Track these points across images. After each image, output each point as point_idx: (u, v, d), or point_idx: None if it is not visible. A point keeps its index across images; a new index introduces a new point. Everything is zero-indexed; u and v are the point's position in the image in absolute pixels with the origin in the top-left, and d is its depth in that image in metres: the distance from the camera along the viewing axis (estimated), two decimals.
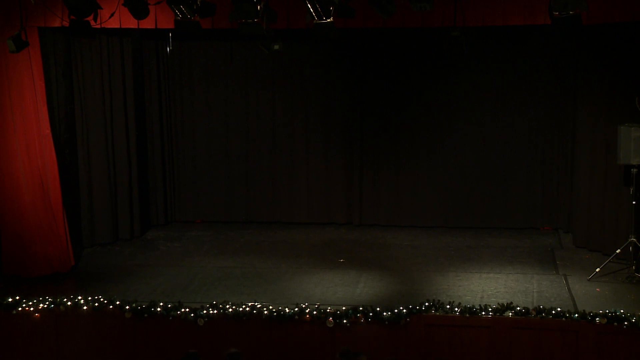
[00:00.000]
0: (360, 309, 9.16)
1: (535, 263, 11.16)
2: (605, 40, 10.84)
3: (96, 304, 9.53)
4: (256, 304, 9.40)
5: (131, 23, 10.12)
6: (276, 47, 10.04)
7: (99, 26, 9.63)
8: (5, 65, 10.60)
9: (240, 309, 9.31)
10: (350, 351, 7.99)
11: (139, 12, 9.37)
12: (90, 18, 9.26)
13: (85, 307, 9.53)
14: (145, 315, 9.41)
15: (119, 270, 11.14)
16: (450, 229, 12.88)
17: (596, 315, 8.80)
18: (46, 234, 10.92)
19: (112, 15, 9.69)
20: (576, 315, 8.86)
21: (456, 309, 9.11)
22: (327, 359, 9.21)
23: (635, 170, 10.23)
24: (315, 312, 9.20)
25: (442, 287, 10.19)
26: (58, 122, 11.46)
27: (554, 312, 8.90)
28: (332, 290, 10.21)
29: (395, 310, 9.09)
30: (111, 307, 9.51)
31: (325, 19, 8.88)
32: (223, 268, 11.21)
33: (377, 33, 11.96)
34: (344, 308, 9.26)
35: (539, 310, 8.94)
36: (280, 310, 9.23)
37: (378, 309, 9.14)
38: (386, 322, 9.04)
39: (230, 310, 9.32)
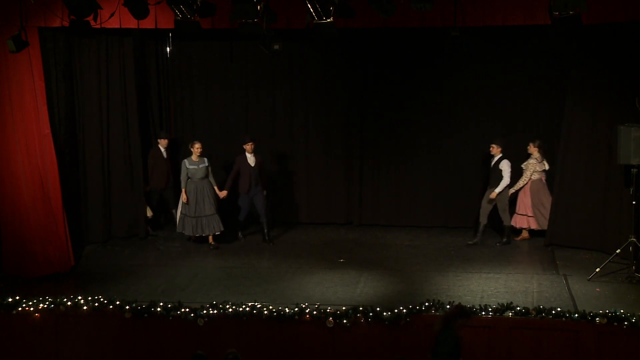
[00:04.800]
0: (360, 309, 9.16)
1: (535, 263, 11.17)
2: (605, 40, 10.84)
3: (96, 304, 9.53)
4: (256, 304, 9.40)
5: (131, 23, 10.13)
6: (276, 47, 10.05)
7: (99, 26, 9.64)
8: (5, 65, 10.61)
9: (240, 309, 9.31)
10: None
11: (139, 12, 9.37)
12: (90, 18, 9.26)
13: (85, 307, 9.52)
14: (145, 315, 9.40)
15: (119, 270, 11.14)
16: (450, 229, 12.89)
17: (596, 315, 8.80)
18: (46, 234, 10.93)
19: (112, 15, 9.70)
20: (576, 315, 8.86)
21: None
22: (327, 359, 9.22)
23: (635, 170, 10.23)
24: (315, 312, 9.19)
25: (442, 287, 10.19)
26: (58, 122, 11.48)
27: (554, 312, 8.90)
28: (332, 290, 10.21)
29: (395, 310, 9.09)
30: (111, 307, 9.51)
31: (325, 19, 8.88)
32: (223, 268, 11.21)
33: (377, 33, 11.96)
34: (344, 308, 9.25)
35: (539, 310, 8.93)
36: (280, 310, 9.23)
37: (378, 309, 9.14)
38: (386, 322, 9.04)
39: (230, 310, 9.31)
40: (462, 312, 7.97)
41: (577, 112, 11.46)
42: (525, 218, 12.15)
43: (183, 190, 12.00)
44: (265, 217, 12.34)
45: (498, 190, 11.79)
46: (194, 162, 12.00)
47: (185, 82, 13.60)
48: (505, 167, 11.80)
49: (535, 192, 11.96)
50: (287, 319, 9.20)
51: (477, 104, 12.88)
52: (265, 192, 12.42)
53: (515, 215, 12.18)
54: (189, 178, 11.99)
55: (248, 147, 12.15)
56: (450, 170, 13.03)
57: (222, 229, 12.10)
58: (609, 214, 11.21)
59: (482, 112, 12.88)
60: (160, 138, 12.84)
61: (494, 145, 11.94)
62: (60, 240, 11.05)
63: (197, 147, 12.00)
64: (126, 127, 12.54)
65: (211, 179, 12.12)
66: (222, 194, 12.17)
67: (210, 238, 12.09)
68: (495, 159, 11.90)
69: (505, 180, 11.79)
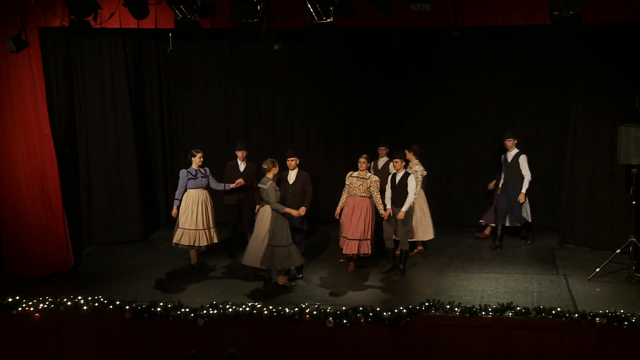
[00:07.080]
0: (360, 309, 9.16)
1: (535, 263, 11.17)
2: (605, 40, 10.85)
3: (96, 304, 9.53)
4: (256, 304, 9.40)
5: (131, 23, 10.13)
6: (276, 47, 10.06)
7: (99, 26, 9.64)
8: (5, 65, 10.61)
9: (240, 309, 9.31)
10: None
11: (139, 12, 9.37)
12: (90, 18, 9.26)
13: (85, 307, 9.52)
14: (145, 315, 9.40)
15: (119, 270, 11.14)
16: (450, 229, 12.87)
17: (596, 315, 8.80)
18: (46, 234, 10.93)
19: (112, 15, 9.70)
20: (576, 315, 8.85)
21: (456, 309, 9.11)
22: (327, 359, 9.22)
23: (635, 170, 10.23)
24: (315, 312, 9.19)
25: (442, 287, 10.19)
26: (58, 122, 11.48)
27: (554, 312, 8.90)
28: (332, 290, 10.21)
29: (395, 310, 9.09)
30: (111, 307, 9.51)
31: (325, 19, 8.87)
32: (223, 268, 11.20)
33: (377, 33, 11.95)
34: (344, 308, 9.26)
35: (539, 310, 8.93)
36: (280, 310, 9.23)
37: (378, 309, 9.15)
38: (386, 322, 9.04)
39: (230, 310, 9.32)
40: None
41: (577, 112, 11.46)
42: (356, 243, 10.57)
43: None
44: (302, 248, 10.66)
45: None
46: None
47: (185, 82, 13.60)
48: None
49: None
50: (287, 319, 9.20)
51: (477, 103, 12.89)
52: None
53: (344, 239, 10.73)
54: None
55: (290, 162, 10.74)
56: (450, 170, 13.03)
57: (302, 261, 10.34)
58: (609, 213, 11.21)
59: (482, 112, 12.89)
60: (237, 149, 11.54)
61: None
62: (60, 240, 11.05)
63: (275, 169, 10.22)
64: (126, 127, 12.54)
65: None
66: (301, 210, 10.34)
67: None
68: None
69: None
